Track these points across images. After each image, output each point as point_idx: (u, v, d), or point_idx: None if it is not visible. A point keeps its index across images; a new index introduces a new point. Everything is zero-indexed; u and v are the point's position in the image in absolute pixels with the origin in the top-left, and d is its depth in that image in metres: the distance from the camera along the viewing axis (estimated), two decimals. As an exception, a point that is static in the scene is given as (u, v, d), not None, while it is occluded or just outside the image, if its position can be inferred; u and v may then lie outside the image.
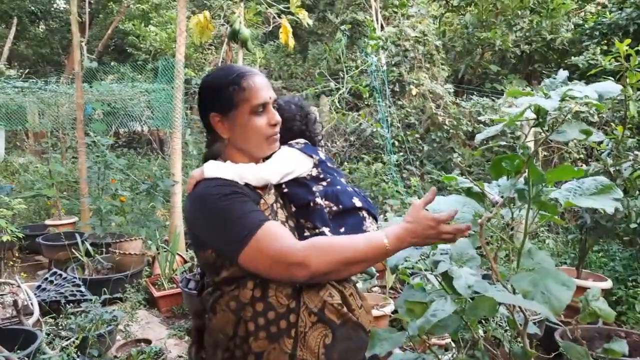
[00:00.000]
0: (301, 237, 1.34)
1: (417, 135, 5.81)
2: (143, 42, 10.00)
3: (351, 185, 1.65)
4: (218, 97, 1.35)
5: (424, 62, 6.08)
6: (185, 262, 4.18)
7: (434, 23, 6.80)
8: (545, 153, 5.41)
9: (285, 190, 1.46)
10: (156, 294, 3.76)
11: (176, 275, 3.96)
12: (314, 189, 1.47)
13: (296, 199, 1.44)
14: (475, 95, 5.97)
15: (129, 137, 11.21)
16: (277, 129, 1.39)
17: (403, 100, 5.94)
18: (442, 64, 6.22)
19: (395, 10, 6.43)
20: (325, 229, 1.40)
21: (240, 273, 1.24)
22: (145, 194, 4.53)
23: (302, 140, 1.61)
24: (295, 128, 1.63)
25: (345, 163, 5.69)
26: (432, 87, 5.84)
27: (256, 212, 1.25)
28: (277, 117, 1.38)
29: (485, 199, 1.66)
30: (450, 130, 5.68)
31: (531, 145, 5.37)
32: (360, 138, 5.95)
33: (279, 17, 5.20)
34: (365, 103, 6.10)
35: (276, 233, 1.22)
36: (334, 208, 1.46)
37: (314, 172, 1.50)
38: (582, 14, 6.51)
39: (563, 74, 1.62)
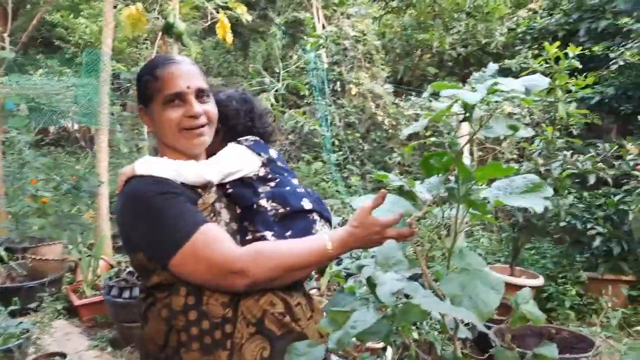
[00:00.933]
0: (243, 241, 1.26)
1: (357, 135, 5.78)
2: (72, 35, 9.47)
3: (304, 186, 1.53)
4: (138, 88, 1.28)
5: (363, 62, 6.06)
6: (112, 267, 3.92)
7: (373, 23, 6.80)
8: (480, 153, 5.51)
9: (230, 190, 1.36)
10: (77, 302, 3.50)
11: (100, 281, 3.71)
12: (260, 190, 1.38)
13: (240, 201, 1.35)
14: (414, 96, 6.02)
15: (58, 134, 10.61)
16: (199, 121, 1.27)
17: (343, 100, 5.90)
18: (381, 64, 6.23)
19: (336, 9, 6.38)
20: (268, 233, 1.31)
21: (172, 278, 1.15)
22: (69, 195, 4.23)
23: (251, 138, 1.50)
24: (240, 126, 1.52)
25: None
26: (371, 87, 5.83)
27: (194, 213, 1.16)
28: (197, 109, 1.25)
29: (418, 198, 1.60)
30: (390, 131, 5.69)
31: (463, 141, 5.43)
32: (299, 136, 5.86)
33: (217, 12, 5.02)
34: (306, 101, 6.01)
35: (215, 237, 1.14)
36: (281, 210, 1.36)
37: (262, 172, 1.41)
38: (515, 18, 6.70)
39: (493, 67, 1.58)
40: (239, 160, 1.40)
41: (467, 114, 1.42)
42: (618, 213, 4.21)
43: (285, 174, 1.51)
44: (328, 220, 1.49)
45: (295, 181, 1.56)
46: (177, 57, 1.32)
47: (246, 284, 1.12)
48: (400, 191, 1.65)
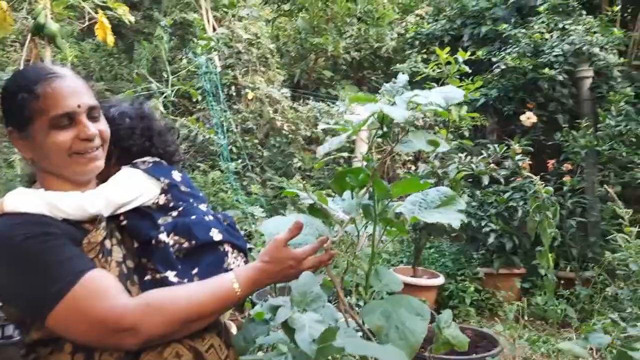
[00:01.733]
0: (142, 281, 1.10)
1: (256, 141, 5.61)
2: None
3: (215, 212, 1.36)
4: (10, 108, 1.09)
5: (259, 66, 5.90)
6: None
7: (267, 26, 6.65)
8: (379, 156, 5.58)
9: (124, 222, 1.17)
10: None
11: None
12: (160, 221, 1.20)
13: (137, 235, 1.17)
14: (312, 100, 5.97)
15: None
16: (93, 143, 1.12)
17: (239, 105, 5.69)
18: (277, 68, 6.10)
19: (226, 10, 6.15)
20: (170, 273, 1.14)
21: (54, 334, 1.00)
22: None
23: (150, 159, 1.31)
24: (135, 147, 1.32)
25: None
26: (268, 91, 5.68)
27: (75, 260, 1.00)
28: (91, 130, 1.10)
29: (331, 216, 1.48)
30: (290, 135, 5.58)
31: (359, 150, 5.54)
32: (194, 145, 5.55)
33: (95, 12, 4.58)
34: (199, 107, 5.72)
35: (99, 288, 0.99)
36: (185, 244, 1.20)
37: (162, 200, 1.24)
38: (404, 24, 6.91)
39: (403, 78, 1.49)
40: (133, 188, 1.20)
41: (385, 129, 1.33)
42: (508, 210, 4.45)
43: (191, 200, 1.33)
44: (242, 251, 1.34)
45: (203, 207, 1.35)
46: (58, 69, 1.11)
47: (137, 343, 0.97)
48: (311, 210, 1.51)
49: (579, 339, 1.48)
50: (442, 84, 4.01)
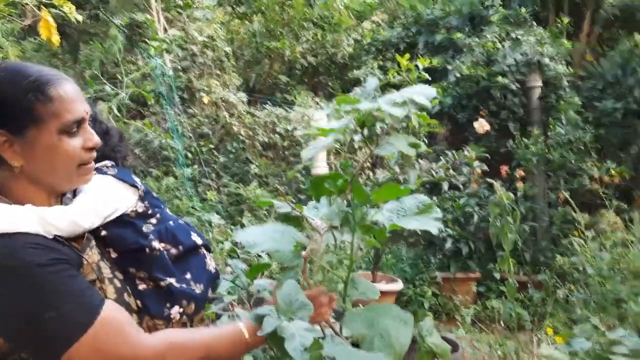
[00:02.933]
0: (135, 292, 1.05)
1: (211, 146, 5.47)
2: None
3: (179, 216, 1.37)
4: (7, 109, 0.97)
5: (214, 69, 5.77)
6: None
7: (221, 29, 6.53)
8: (337, 162, 5.58)
9: (104, 233, 1.11)
10: None
11: None
12: (144, 229, 1.16)
13: (122, 244, 1.12)
14: (269, 104, 5.90)
15: None
16: (94, 154, 1.08)
17: (194, 109, 5.54)
18: (233, 72, 5.99)
19: (179, 11, 5.99)
20: (171, 280, 1.13)
21: None
22: None
23: (109, 163, 1.25)
24: (98, 153, 1.25)
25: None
26: (224, 95, 5.57)
27: (87, 292, 0.94)
28: (96, 139, 1.07)
29: (308, 225, 1.43)
30: (246, 141, 5.48)
31: (319, 154, 5.51)
32: (147, 150, 5.36)
33: (39, 9, 4.34)
34: (151, 111, 5.53)
35: (119, 325, 0.93)
36: (173, 251, 1.18)
37: (140, 207, 1.19)
38: (360, 30, 6.96)
39: (373, 82, 1.48)
40: (115, 197, 1.15)
41: (365, 132, 1.31)
42: (464, 215, 4.54)
43: (162, 206, 1.31)
44: (209, 251, 1.34)
45: (168, 211, 1.36)
46: (58, 72, 1.04)
47: None
48: (286, 218, 1.46)
49: (560, 344, 1.50)
50: (402, 91, 4.05)
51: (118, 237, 1.13)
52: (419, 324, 1.48)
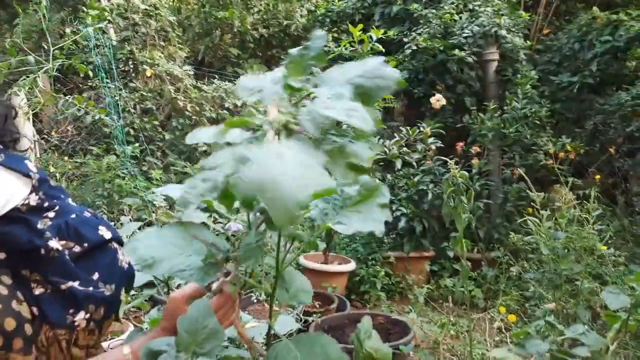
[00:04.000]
0: (29, 298, 0.92)
1: (156, 123, 5.15)
2: None
3: (80, 205, 1.23)
4: None
5: (158, 40, 5.41)
6: None
7: (167, -3, 6.14)
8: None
9: None
10: None
11: None
12: (40, 226, 1.01)
13: (11, 244, 0.97)
14: (218, 79, 5.59)
15: None
16: None
17: (137, 82, 5.19)
18: (179, 43, 5.64)
19: (121, -23, 5.57)
20: (74, 284, 0.99)
21: None
22: None
23: None
24: None
25: (67, 158, 4.71)
26: (169, 68, 5.23)
27: None
28: None
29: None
30: (193, 117, 5.18)
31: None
32: (85, 126, 5.01)
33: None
34: (90, 85, 5.16)
35: None
36: (76, 249, 1.04)
37: (33, 200, 1.03)
38: (314, 0, 6.68)
39: (320, 34, 1.29)
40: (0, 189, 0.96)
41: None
42: (418, 193, 4.41)
43: (62, 196, 1.14)
44: (121, 244, 1.19)
45: (71, 202, 1.17)
46: None
47: None
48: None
49: (513, 344, 1.35)
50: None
51: (6, 236, 0.97)
52: (358, 326, 1.31)
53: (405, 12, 5.65)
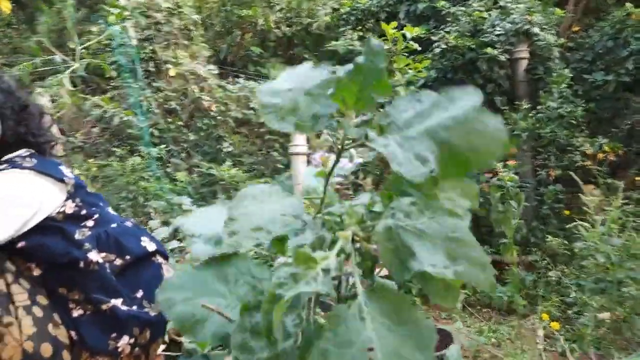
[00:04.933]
0: (67, 320, 0.82)
1: (180, 123, 5.08)
2: None
3: (122, 216, 1.09)
4: None
5: (181, 39, 5.33)
6: None
7: (188, -4, 6.05)
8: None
9: (22, 244, 0.87)
10: None
11: None
12: (78, 236, 0.91)
13: (47, 256, 0.88)
14: (243, 78, 5.51)
15: None
16: None
17: (160, 82, 5.12)
18: (202, 42, 5.56)
19: (143, -24, 5.50)
20: (116, 301, 0.89)
21: None
22: None
23: (24, 152, 0.97)
24: (9, 132, 0.97)
25: (91, 160, 4.64)
26: (193, 68, 5.15)
27: None
28: None
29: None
30: (218, 117, 5.10)
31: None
32: (108, 127, 4.94)
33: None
34: (112, 85, 5.08)
35: None
36: (118, 261, 0.95)
37: (70, 208, 0.94)
38: (338, -2, 6.58)
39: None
40: (31, 197, 0.87)
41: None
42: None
43: (101, 204, 1.06)
44: (166, 258, 1.11)
45: (111, 210, 1.06)
46: None
47: None
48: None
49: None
50: (390, 62, 3.75)
51: (42, 248, 0.89)
52: (446, 354, 1.21)
53: (432, 10, 5.53)
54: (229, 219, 0.63)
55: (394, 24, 3.71)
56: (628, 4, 4.77)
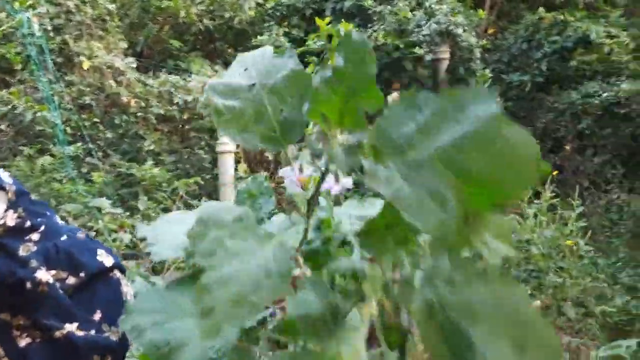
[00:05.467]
0: (13, 351, 0.70)
1: (96, 120, 4.71)
2: None
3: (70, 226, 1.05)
4: None
5: (95, 29, 4.95)
6: None
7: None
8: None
9: None
10: None
11: None
12: (22, 252, 0.79)
13: None
14: (163, 72, 5.22)
15: None
16: None
17: (73, 76, 4.72)
18: (118, 34, 5.21)
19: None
20: (71, 327, 0.75)
21: None
22: None
23: None
24: None
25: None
26: (109, 60, 4.80)
27: None
28: None
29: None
30: (138, 113, 4.79)
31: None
32: (14, 124, 4.48)
33: None
34: (19, 79, 4.62)
35: None
36: (71, 280, 0.80)
37: (11, 219, 0.82)
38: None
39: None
40: None
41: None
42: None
43: (48, 213, 0.91)
44: (124, 272, 0.94)
45: (59, 219, 0.93)
46: None
47: None
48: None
49: None
50: (323, 59, 3.70)
51: None
52: None
53: (358, 8, 5.56)
54: (201, 288, 0.45)
55: (328, 19, 3.67)
56: (540, 9, 5.08)
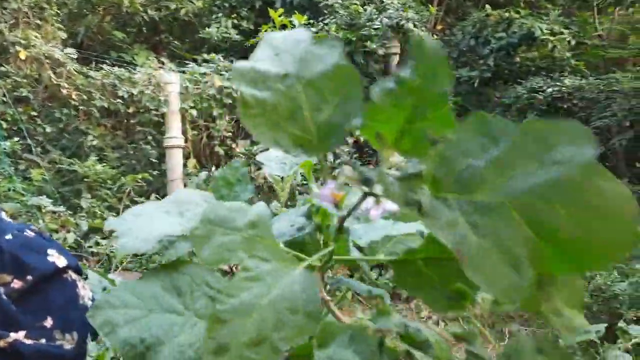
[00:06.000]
0: None
1: (33, 113, 4.43)
2: None
3: (23, 224, 0.89)
4: None
5: (32, 18, 4.66)
6: None
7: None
8: (194, 132, 4.95)
9: None
10: None
11: None
12: None
13: None
14: (107, 64, 4.97)
15: None
16: None
17: (8, 67, 4.42)
18: (57, 23, 4.92)
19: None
20: (17, 335, 0.69)
21: None
22: None
23: None
24: None
25: None
26: (47, 51, 4.52)
27: None
28: None
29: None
30: (80, 107, 4.54)
31: (173, 118, 4.79)
32: (-59, 118, 4.15)
33: None
34: (-55, 68, 4.28)
35: None
36: (17, 283, 0.74)
37: None
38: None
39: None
40: None
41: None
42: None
43: None
44: (80, 273, 0.85)
45: (4, 216, 0.84)
46: None
47: None
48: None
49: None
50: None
51: None
52: None
53: (309, 1, 5.51)
54: (216, 317, 0.38)
55: (281, 10, 3.60)
56: (487, 6, 5.20)
